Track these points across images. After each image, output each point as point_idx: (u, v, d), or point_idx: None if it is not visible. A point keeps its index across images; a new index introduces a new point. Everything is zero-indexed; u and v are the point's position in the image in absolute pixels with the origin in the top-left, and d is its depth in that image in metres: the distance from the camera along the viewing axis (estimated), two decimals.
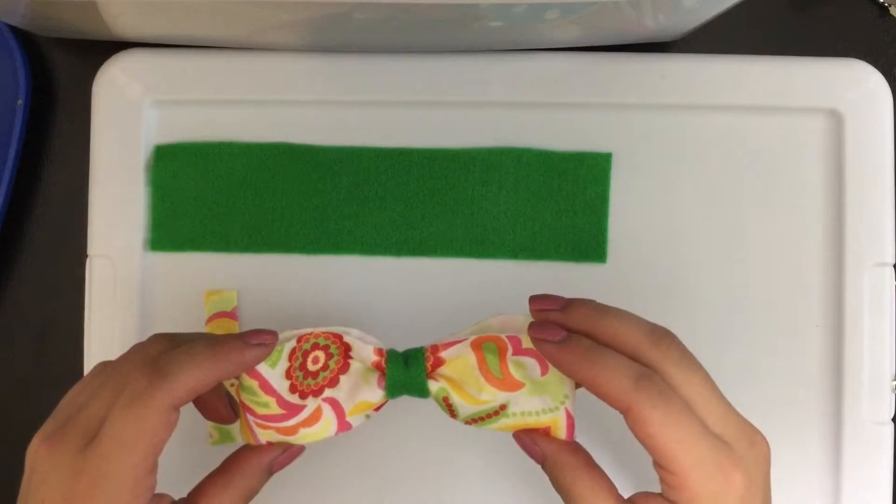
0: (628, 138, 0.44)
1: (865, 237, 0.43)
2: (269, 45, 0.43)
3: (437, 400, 0.34)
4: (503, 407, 0.34)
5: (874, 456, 0.42)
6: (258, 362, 0.33)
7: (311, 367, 0.34)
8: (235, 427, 0.43)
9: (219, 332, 0.43)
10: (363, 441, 0.44)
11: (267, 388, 0.34)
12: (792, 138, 0.43)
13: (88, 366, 0.43)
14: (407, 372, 0.34)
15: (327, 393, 0.34)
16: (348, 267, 0.44)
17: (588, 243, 0.43)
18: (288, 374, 0.34)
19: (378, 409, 0.35)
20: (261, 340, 0.33)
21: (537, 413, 0.33)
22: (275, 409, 0.34)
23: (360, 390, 0.34)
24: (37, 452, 0.31)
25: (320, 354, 0.34)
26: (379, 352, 0.34)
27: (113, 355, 0.43)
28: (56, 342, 0.45)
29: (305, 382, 0.34)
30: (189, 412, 0.44)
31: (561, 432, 0.34)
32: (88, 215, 0.44)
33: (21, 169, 0.45)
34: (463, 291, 0.44)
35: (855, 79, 0.43)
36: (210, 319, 0.44)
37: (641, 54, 0.43)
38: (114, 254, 0.43)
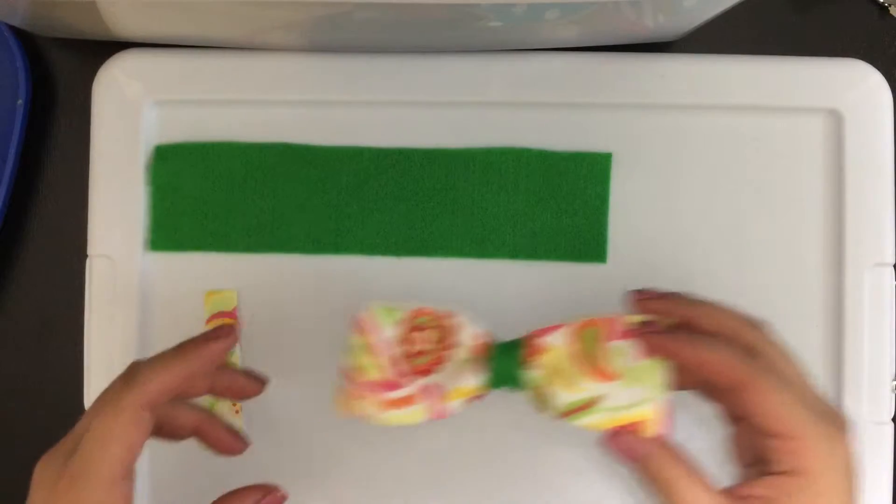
0: (628, 138, 0.44)
1: (865, 237, 0.43)
2: (269, 45, 0.43)
3: (531, 390, 0.34)
4: (598, 399, 0.33)
5: (874, 456, 0.42)
6: (221, 354, 0.35)
7: (414, 347, 0.35)
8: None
9: None
10: (361, 455, 0.44)
11: (376, 348, 0.34)
12: (792, 138, 0.43)
13: (88, 366, 0.43)
14: (506, 362, 0.34)
15: (426, 379, 0.34)
16: (348, 267, 0.44)
17: (588, 243, 0.43)
18: (399, 342, 0.35)
19: (476, 398, 0.34)
20: (221, 334, 0.35)
21: (629, 406, 0.33)
22: (376, 377, 0.34)
23: (458, 377, 0.34)
24: (34, 471, 0.33)
25: (425, 335, 0.35)
26: (482, 338, 0.34)
27: (113, 355, 0.43)
28: (56, 342, 0.45)
29: (407, 362, 0.34)
30: None
31: (656, 425, 0.33)
32: (88, 215, 0.44)
33: (21, 169, 0.45)
34: (463, 291, 0.44)
35: (855, 79, 0.43)
36: (210, 319, 0.44)
37: (641, 54, 0.43)
38: (114, 254, 0.43)
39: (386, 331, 0.34)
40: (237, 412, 0.43)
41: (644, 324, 0.34)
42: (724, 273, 0.43)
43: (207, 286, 0.44)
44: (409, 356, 0.34)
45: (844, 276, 0.43)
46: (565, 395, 0.33)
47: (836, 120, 0.43)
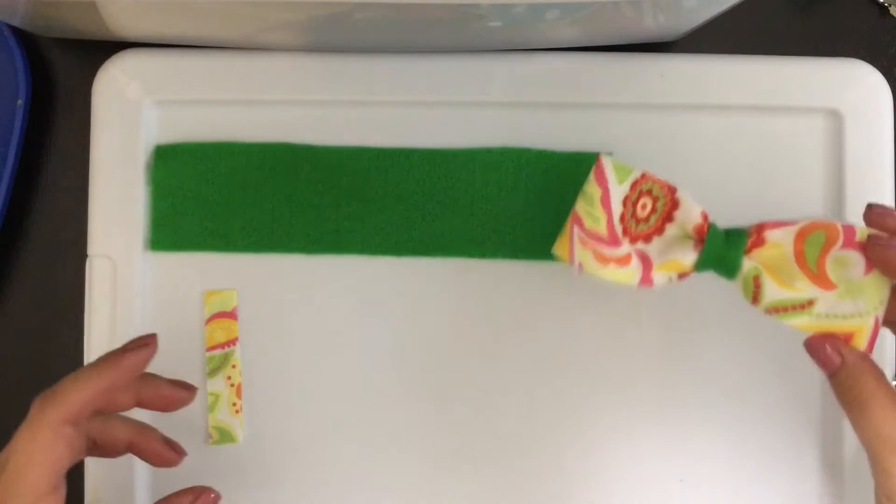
0: (628, 138, 0.44)
1: None
2: (268, 44, 0.43)
3: (745, 280, 0.34)
4: (810, 303, 0.33)
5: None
6: (139, 365, 0.35)
7: (639, 212, 0.35)
8: (235, 427, 0.43)
9: (219, 332, 0.44)
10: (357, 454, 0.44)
11: (606, 201, 0.34)
12: (792, 138, 0.43)
13: None
14: (726, 246, 0.34)
15: (640, 245, 0.35)
16: (348, 267, 0.44)
17: None
18: (624, 202, 0.35)
19: (682, 276, 0.35)
20: (140, 343, 0.35)
21: (844, 317, 0.33)
22: (601, 229, 0.34)
23: (672, 250, 0.34)
24: None
25: (648, 202, 0.35)
26: (704, 216, 0.34)
27: None
28: (56, 342, 0.45)
29: (629, 224, 0.35)
30: (184, 419, 0.44)
31: (863, 340, 0.33)
32: (88, 215, 0.44)
33: (21, 169, 0.45)
34: (463, 291, 0.44)
35: (855, 79, 0.43)
36: (210, 319, 0.44)
37: (641, 54, 0.43)
38: (114, 254, 0.43)
39: (617, 188, 0.35)
40: (237, 412, 0.43)
41: (872, 237, 0.33)
42: None
43: (207, 286, 0.44)
44: (633, 218, 0.35)
45: None
46: (779, 292, 0.33)
47: (836, 120, 0.43)
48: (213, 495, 0.37)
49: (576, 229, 0.35)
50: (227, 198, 0.44)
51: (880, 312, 0.33)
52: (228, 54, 0.44)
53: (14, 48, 0.44)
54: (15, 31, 0.44)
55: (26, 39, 0.45)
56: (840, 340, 0.33)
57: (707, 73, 0.43)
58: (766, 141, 0.44)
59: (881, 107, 0.43)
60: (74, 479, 0.43)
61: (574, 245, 0.35)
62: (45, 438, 0.32)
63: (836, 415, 0.43)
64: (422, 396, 0.43)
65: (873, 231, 0.33)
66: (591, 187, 0.35)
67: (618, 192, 0.35)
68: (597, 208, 0.35)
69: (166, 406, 0.37)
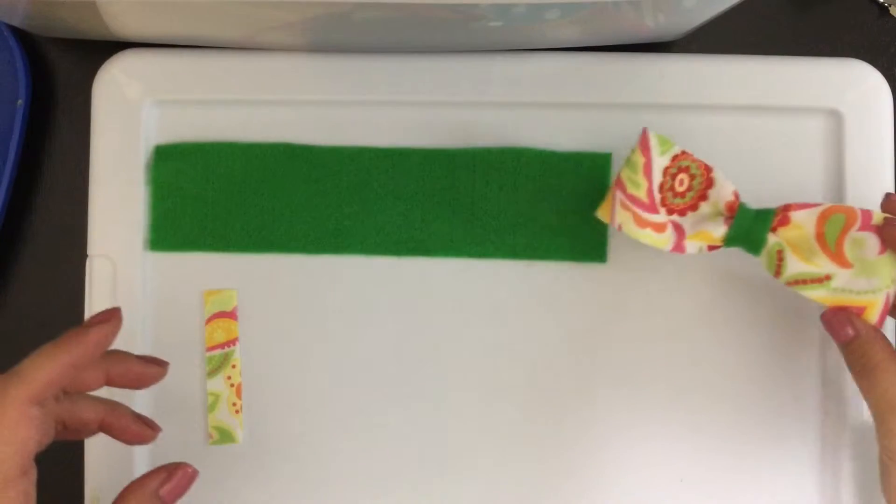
0: (628, 138, 0.44)
1: None
2: (268, 45, 0.43)
3: (769, 254, 0.38)
4: (828, 277, 0.37)
5: (875, 456, 0.42)
6: (104, 340, 0.33)
7: (676, 187, 0.38)
8: (235, 427, 0.43)
9: (219, 332, 0.44)
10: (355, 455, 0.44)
11: (648, 170, 0.37)
12: (792, 138, 0.43)
13: None
14: (754, 223, 0.38)
15: (675, 217, 0.38)
16: (348, 267, 0.44)
17: (588, 243, 0.43)
18: (664, 173, 0.38)
19: (712, 248, 0.38)
20: (101, 318, 0.34)
21: (858, 293, 0.36)
22: (642, 195, 0.37)
23: (705, 224, 0.38)
24: None
25: (686, 179, 0.38)
26: (736, 195, 0.38)
27: None
28: None
29: (667, 195, 0.38)
30: (184, 419, 0.44)
31: (875, 314, 0.36)
32: (88, 215, 0.44)
33: (21, 169, 0.45)
34: (463, 291, 0.44)
35: (855, 79, 0.43)
36: (210, 319, 0.44)
37: (641, 54, 0.43)
38: (114, 254, 0.43)
39: (658, 159, 0.38)
40: (237, 412, 0.43)
41: (887, 219, 0.36)
42: (724, 273, 0.43)
43: (207, 286, 0.44)
44: (671, 191, 0.38)
45: None
46: (800, 266, 0.37)
47: (835, 120, 0.43)
48: (189, 470, 0.36)
49: (618, 193, 0.38)
50: (226, 198, 0.44)
51: (892, 290, 0.36)
52: (228, 54, 0.44)
53: (14, 48, 0.44)
54: (15, 31, 0.44)
55: (26, 39, 0.45)
56: (853, 314, 0.37)
57: (707, 73, 0.43)
58: (766, 141, 0.44)
59: (881, 107, 0.43)
60: (74, 478, 0.43)
61: (616, 207, 0.38)
62: (9, 419, 0.31)
63: (836, 416, 0.43)
64: (422, 396, 0.43)
65: (889, 215, 0.37)
66: (636, 156, 0.37)
67: (659, 162, 0.38)
68: (639, 175, 0.37)
69: (138, 383, 0.36)
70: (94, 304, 0.43)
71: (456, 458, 0.43)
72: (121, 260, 0.43)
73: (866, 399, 0.37)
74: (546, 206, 0.43)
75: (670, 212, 0.39)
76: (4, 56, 0.44)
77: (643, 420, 0.43)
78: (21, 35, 0.45)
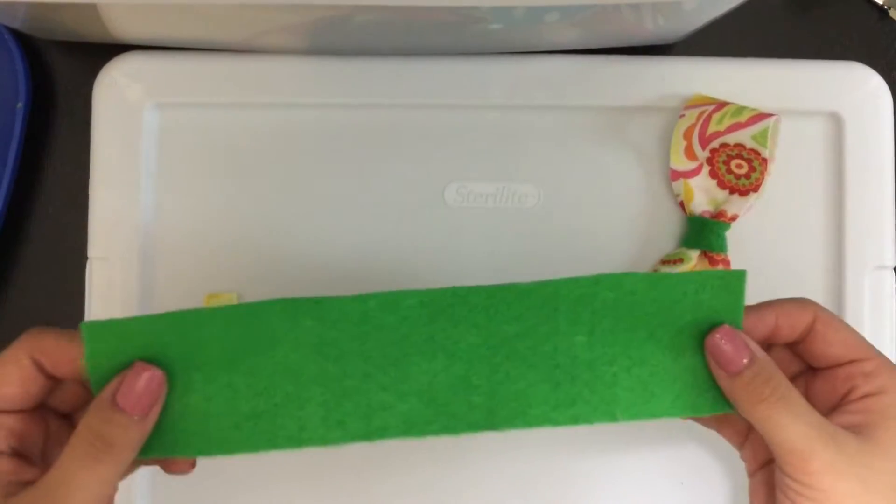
0: (629, 141, 0.44)
1: (866, 241, 0.43)
2: (269, 47, 0.43)
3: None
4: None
5: None
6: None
7: (734, 169, 0.40)
8: None
9: None
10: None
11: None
12: (792, 141, 0.43)
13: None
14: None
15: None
16: (349, 266, 0.44)
17: (713, 389, 0.34)
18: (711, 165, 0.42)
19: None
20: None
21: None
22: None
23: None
24: None
25: (744, 163, 0.40)
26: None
27: None
28: None
29: (727, 178, 0.41)
30: None
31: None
32: (88, 218, 0.44)
33: (21, 171, 0.45)
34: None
35: (855, 81, 0.43)
36: None
37: (642, 57, 0.43)
38: (114, 256, 0.43)
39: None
40: None
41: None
42: None
43: (207, 289, 0.44)
44: (732, 173, 0.42)
45: (845, 280, 0.43)
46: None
47: (836, 123, 0.43)
48: (145, 373, 0.32)
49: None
50: (204, 380, 0.33)
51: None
52: (229, 57, 0.44)
53: (14, 51, 0.44)
54: (15, 33, 0.44)
55: (26, 42, 0.45)
56: (746, 337, 0.33)
57: (707, 76, 0.43)
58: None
59: (881, 110, 0.43)
60: None
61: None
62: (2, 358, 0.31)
63: None
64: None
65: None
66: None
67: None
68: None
69: None
70: (94, 306, 0.43)
71: (457, 457, 0.43)
72: (121, 262, 0.43)
73: (771, 433, 0.31)
74: (657, 346, 0.34)
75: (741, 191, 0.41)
76: (4, 59, 0.44)
77: (643, 422, 0.43)
78: (21, 38, 0.45)
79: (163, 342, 0.32)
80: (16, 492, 0.31)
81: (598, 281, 0.33)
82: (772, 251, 0.43)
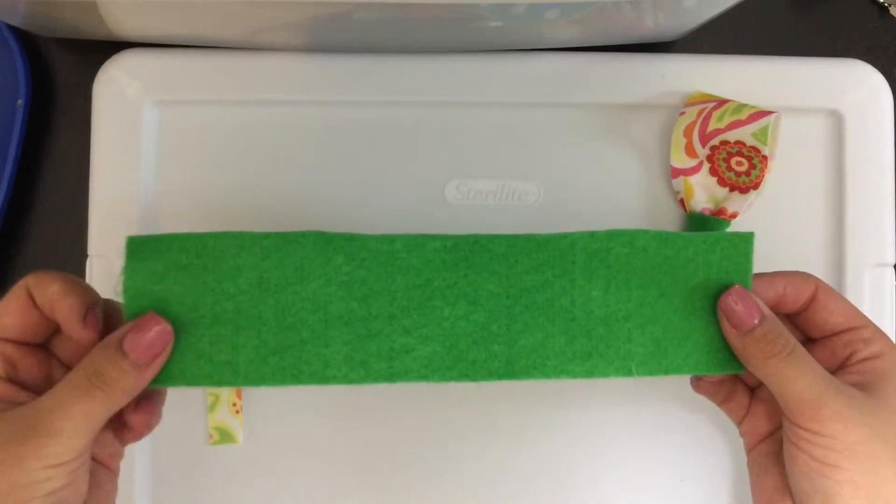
0: (629, 138, 0.44)
1: (866, 238, 0.43)
2: (269, 45, 0.43)
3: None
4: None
5: None
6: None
7: (735, 167, 0.40)
8: (235, 427, 0.43)
9: None
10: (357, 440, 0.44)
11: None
12: (792, 138, 0.43)
13: None
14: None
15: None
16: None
17: (724, 350, 0.35)
18: (711, 162, 0.41)
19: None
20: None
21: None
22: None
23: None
24: None
25: (744, 161, 0.40)
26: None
27: None
28: None
29: (727, 175, 0.41)
30: (184, 419, 0.44)
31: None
32: (88, 215, 0.44)
33: (21, 169, 0.45)
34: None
35: (855, 79, 0.43)
36: None
37: (642, 54, 0.43)
38: (114, 254, 0.43)
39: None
40: (237, 412, 0.43)
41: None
42: None
43: None
44: (732, 170, 0.41)
45: (845, 277, 0.43)
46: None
47: (836, 120, 0.43)
48: (157, 326, 0.32)
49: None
50: (235, 310, 0.33)
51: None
52: (229, 54, 0.44)
53: (14, 48, 0.44)
54: (15, 30, 0.44)
55: (26, 39, 0.45)
56: (751, 296, 0.34)
57: (707, 73, 0.43)
58: None
59: (882, 107, 0.43)
60: None
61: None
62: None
63: None
64: (423, 395, 0.43)
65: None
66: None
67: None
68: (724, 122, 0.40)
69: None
70: None
71: (456, 456, 0.43)
72: (121, 260, 0.43)
73: (782, 387, 0.33)
74: (669, 304, 0.35)
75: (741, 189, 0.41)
76: (4, 56, 0.44)
77: (644, 419, 0.43)
78: (21, 35, 0.45)
79: (200, 267, 0.33)
80: (7, 409, 0.31)
81: (612, 236, 0.34)
82: (772, 248, 0.43)
